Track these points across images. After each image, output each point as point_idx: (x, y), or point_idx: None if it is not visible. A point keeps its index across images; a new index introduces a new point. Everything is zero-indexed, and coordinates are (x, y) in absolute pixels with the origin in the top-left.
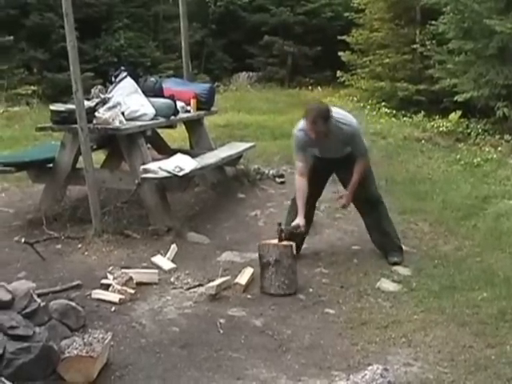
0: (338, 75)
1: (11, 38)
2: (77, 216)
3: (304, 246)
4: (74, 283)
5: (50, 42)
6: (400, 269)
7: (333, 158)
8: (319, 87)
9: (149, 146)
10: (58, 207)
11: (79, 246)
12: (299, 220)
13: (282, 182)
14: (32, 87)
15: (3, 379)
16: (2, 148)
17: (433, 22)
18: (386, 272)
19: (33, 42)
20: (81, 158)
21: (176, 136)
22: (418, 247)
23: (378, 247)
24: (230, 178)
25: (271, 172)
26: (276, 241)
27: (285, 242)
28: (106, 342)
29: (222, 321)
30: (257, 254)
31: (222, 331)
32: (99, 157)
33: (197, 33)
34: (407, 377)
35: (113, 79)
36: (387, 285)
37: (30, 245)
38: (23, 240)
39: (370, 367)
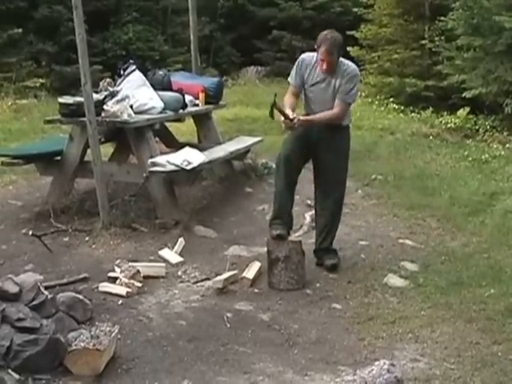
0: None
1: (20, 30)
2: (84, 209)
3: (311, 240)
4: (82, 276)
5: (58, 34)
6: (407, 264)
7: (318, 130)
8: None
9: (157, 139)
10: (66, 200)
11: (86, 238)
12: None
13: None
14: (40, 80)
15: (10, 371)
16: (10, 140)
17: (442, 18)
18: (394, 267)
19: (41, 34)
20: (89, 151)
21: (184, 130)
22: (426, 243)
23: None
24: (237, 172)
25: None
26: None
27: (293, 238)
28: (113, 335)
29: (229, 315)
30: (264, 249)
31: (228, 325)
32: (107, 150)
33: (205, 27)
34: (414, 372)
35: (121, 72)
36: (394, 280)
37: (37, 237)
38: (31, 232)
39: (376, 362)
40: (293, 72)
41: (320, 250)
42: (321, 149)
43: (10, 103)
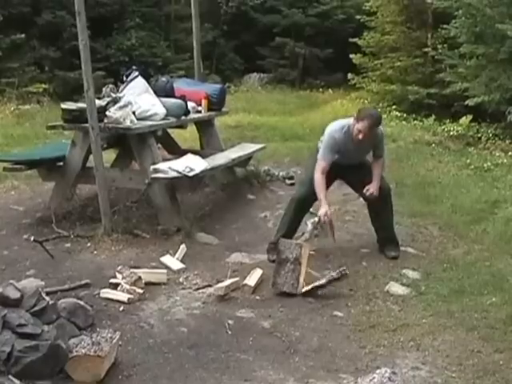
0: (349, 78)
1: (23, 35)
2: (86, 215)
3: (313, 248)
4: (83, 282)
5: (61, 40)
6: (409, 272)
7: (348, 164)
8: (330, 89)
9: (159, 145)
10: (68, 206)
11: (88, 244)
12: (325, 207)
13: (292, 184)
14: (43, 85)
15: (11, 377)
16: (13, 146)
17: (445, 26)
18: (395, 275)
19: (44, 40)
20: (91, 157)
21: (187, 136)
22: (428, 251)
23: (380, 240)
24: (239, 179)
25: (281, 173)
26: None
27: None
28: (114, 341)
29: (230, 322)
30: (265, 256)
31: (230, 332)
32: (109, 156)
33: (208, 33)
34: (415, 381)
35: (124, 78)
36: (396, 288)
37: (39, 243)
38: (32, 238)
39: (378, 370)
40: (327, 150)
41: (383, 241)
42: (350, 174)
43: (12, 108)
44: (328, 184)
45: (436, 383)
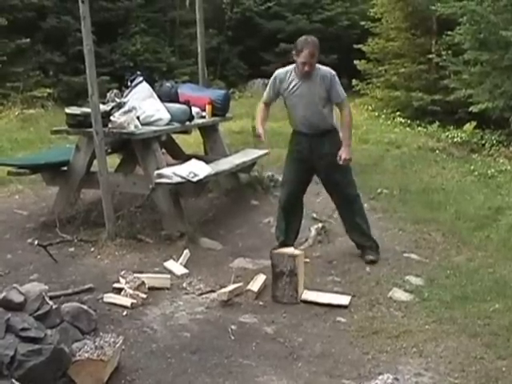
0: (353, 84)
1: (28, 40)
2: (90, 219)
3: (317, 254)
4: (86, 286)
5: (66, 45)
6: (412, 278)
7: (310, 137)
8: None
9: (163, 151)
10: (72, 210)
11: (92, 249)
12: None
13: None
14: (47, 90)
15: (14, 381)
16: (17, 150)
17: (449, 33)
18: (398, 281)
19: (49, 44)
20: (95, 162)
21: (191, 141)
22: (431, 257)
23: (356, 244)
24: (243, 184)
25: None
26: (289, 249)
27: (297, 251)
28: (117, 345)
29: (233, 327)
30: (269, 261)
31: (233, 337)
32: (113, 161)
33: (213, 39)
34: None
35: (129, 83)
36: (399, 294)
37: (43, 247)
38: (36, 242)
39: (380, 376)
40: (268, 88)
41: (358, 247)
42: (318, 164)
43: (17, 113)
44: (307, 179)
45: None
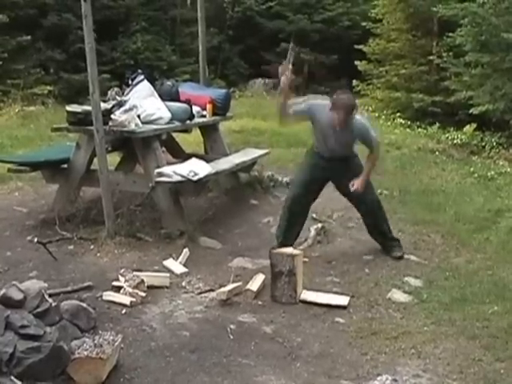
0: (353, 84)
1: (29, 37)
2: (90, 217)
3: (316, 254)
4: (86, 284)
5: (67, 42)
6: (411, 280)
7: (331, 160)
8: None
9: (163, 149)
10: (72, 208)
11: (91, 247)
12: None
13: None
14: (48, 87)
15: (13, 378)
16: (17, 147)
17: (450, 34)
18: (397, 283)
19: (50, 42)
20: (95, 160)
21: (191, 140)
22: (430, 259)
23: (382, 246)
24: (243, 184)
25: (285, 179)
26: (288, 249)
27: (296, 251)
28: (116, 344)
29: (232, 326)
30: (268, 261)
31: (232, 337)
32: (114, 159)
33: (214, 38)
34: None
35: (130, 82)
36: (398, 295)
37: (42, 245)
38: (36, 240)
39: (379, 377)
40: (302, 102)
41: (384, 246)
42: (339, 181)
43: (17, 110)
44: (319, 188)
45: None
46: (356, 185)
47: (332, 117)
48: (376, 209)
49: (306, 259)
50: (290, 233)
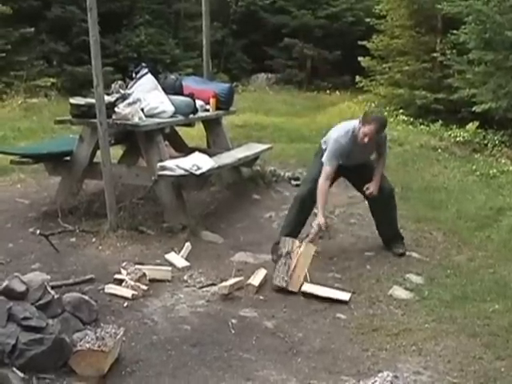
0: (356, 80)
1: (32, 29)
2: (92, 210)
3: (318, 249)
4: (87, 277)
5: (70, 34)
6: (413, 277)
7: (347, 167)
8: (337, 91)
9: (166, 143)
10: (74, 201)
11: (93, 240)
12: (323, 219)
13: (298, 185)
14: (51, 79)
15: (15, 369)
16: (20, 139)
17: (454, 32)
18: (399, 279)
19: (53, 34)
20: (98, 153)
21: (193, 134)
22: (431, 256)
23: (384, 239)
24: (245, 178)
25: (287, 174)
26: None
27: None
28: (118, 337)
29: (233, 321)
30: (270, 256)
31: (233, 331)
32: (116, 152)
33: (217, 32)
34: None
35: (133, 75)
36: (399, 292)
37: (45, 237)
38: (38, 232)
39: (380, 374)
40: (332, 156)
41: (388, 240)
42: (354, 176)
43: (20, 102)
44: (331, 182)
45: None
46: (371, 189)
47: (362, 131)
48: (390, 197)
49: (315, 253)
50: (298, 228)
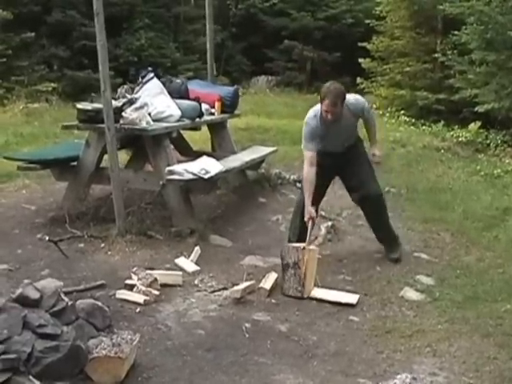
0: (357, 82)
1: (33, 34)
2: (99, 215)
3: (327, 252)
4: (98, 283)
5: (71, 39)
6: (423, 278)
7: (334, 154)
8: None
9: (172, 147)
10: (81, 206)
11: (102, 245)
12: (310, 209)
13: None
14: (52, 84)
15: (31, 377)
16: (22, 144)
17: (455, 32)
18: (409, 281)
19: (54, 39)
20: (105, 157)
21: (197, 138)
22: (440, 257)
23: (382, 244)
24: (251, 181)
25: (292, 177)
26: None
27: (311, 247)
28: (134, 343)
29: (247, 325)
30: (279, 260)
31: (247, 335)
32: (122, 157)
33: (217, 35)
34: None
35: (139, 79)
36: (411, 294)
37: (53, 243)
38: (47, 238)
39: (398, 376)
40: (306, 139)
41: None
42: (341, 168)
43: (21, 107)
44: (325, 186)
45: None
46: (376, 152)
47: (323, 110)
48: (378, 202)
49: (319, 256)
50: (304, 234)
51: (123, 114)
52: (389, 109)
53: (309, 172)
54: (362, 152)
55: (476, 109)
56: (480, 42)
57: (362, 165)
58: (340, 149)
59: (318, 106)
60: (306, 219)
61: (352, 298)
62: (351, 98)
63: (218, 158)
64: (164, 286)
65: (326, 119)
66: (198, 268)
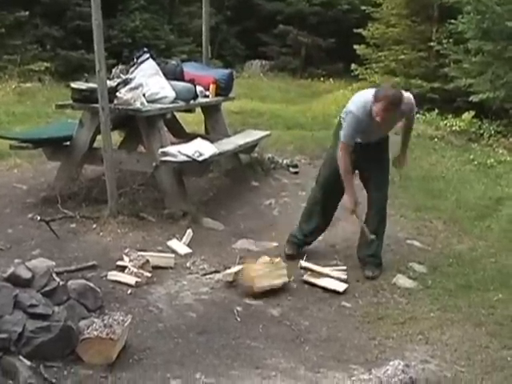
0: (352, 68)
1: (26, 13)
2: (91, 196)
3: (320, 237)
4: (90, 263)
5: (64, 19)
6: (415, 266)
7: (362, 145)
8: (331, 79)
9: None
10: (73, 186)
11: (94, 226)
12: (355, 198)
13: (296, 172)
14: (45, 64)
15: (21, 357)
16: (14, 124)
17: (452, 21)
18: (402, 268)
19: (48, 18)
20: (98, 138)
21: (190, 120)
22: (433, 245)
23: (360, 256)
24: (244, 165)
25: (285, 161)
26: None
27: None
28: (126, 324)
29: (239, 309)
30: (272, 243)
31: (239, 319)
32: (114, 137)
33: (212, 18)
34: (425, 374)
35: (135, 60)
36: (403, 281)
37: (45, 222)
38: (39, 217)
39: (391, 362)
40: (349, 131)
41: (363, 256)
42: (363, 160)
43: (14, 86)
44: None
45: (446, 377)
46: (402, 162)
47: (374, 110)
48: (380, 212)
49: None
50: (327, 217)
51: (117, 94)
52: None
53: (347, 163)
54: (386, 149)
55: (470, 98)
56: (476, 32)
57: (381, 162)
58: (371, 141)
59: (368, 97)
60: (349, 212)
61: (340, 286)
62: (404, 96)
63: (211, 141)
64: (156, 267)
65: (374, 119)
66: (190, 251)
